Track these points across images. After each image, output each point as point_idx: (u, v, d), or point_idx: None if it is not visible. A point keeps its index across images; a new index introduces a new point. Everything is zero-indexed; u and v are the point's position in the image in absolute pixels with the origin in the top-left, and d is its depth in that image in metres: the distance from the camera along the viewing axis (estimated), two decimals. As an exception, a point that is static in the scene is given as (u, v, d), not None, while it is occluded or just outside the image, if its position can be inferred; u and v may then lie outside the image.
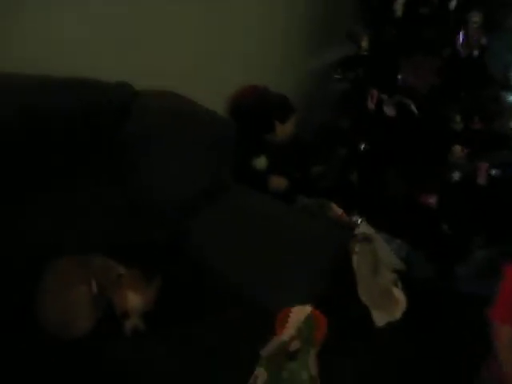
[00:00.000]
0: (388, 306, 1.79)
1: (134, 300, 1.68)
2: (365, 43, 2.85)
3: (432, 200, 2.82)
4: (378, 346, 1.71)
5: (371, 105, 2.86)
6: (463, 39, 2.65)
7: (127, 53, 2.32)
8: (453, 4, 2.65)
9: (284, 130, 2.80)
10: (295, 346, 1.37)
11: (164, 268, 1.80)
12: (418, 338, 1.89)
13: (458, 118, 2.75)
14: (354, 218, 2.37)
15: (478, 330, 1.70)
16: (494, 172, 2.87)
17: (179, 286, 1.81)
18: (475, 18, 2.62)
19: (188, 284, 1.85)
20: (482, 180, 2.83)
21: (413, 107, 2.75)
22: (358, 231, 1.99)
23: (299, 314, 1.47)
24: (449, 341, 2.02)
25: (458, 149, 2.78)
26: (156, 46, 2.43)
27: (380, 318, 1.75)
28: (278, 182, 2.77)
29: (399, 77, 2.76)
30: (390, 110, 2.80)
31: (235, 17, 2.76)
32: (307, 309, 1.48)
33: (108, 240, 1.94)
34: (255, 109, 2.74)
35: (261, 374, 1.27)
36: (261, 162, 2.75)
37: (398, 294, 1.85)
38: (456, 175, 2.83)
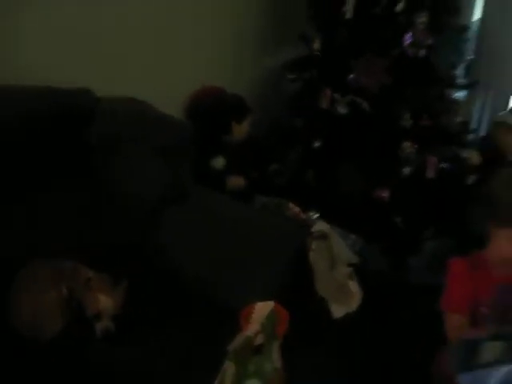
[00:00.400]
0: (344, 298, 1.93)
1: (105, 302, 1.78)
2: (317, 44, 2.96)
3: (385, 194, 2.96)
4: (336, 336, 1.85)
5: (324, 104, 2.98)
6: (411, 40, 2.80)
7: (87, 60, 2.39)
8: (400, 6, 2.79)
9: (241, 130, 2.91)
10: (260, 340, 1.49)
11: (131, 271, 1.90)
12: (374, 328, 2.03)
13: (407, 116, 2.89)
14: (311, 215, 2.49)
15: (429, 319, 1.83)
16: (442, 166, 3.05)
17: (146, 288, 1.92)
18: (422, 19, 2.77)
19: (154, 286, 1.95)
20: (431, 173, 2.99)
21: (364, 106, 2.88)
22: (314, 229, 2.11)
23: (262, 309, 1.58)
24: (402, 330, 2.17)
25: (407, 145, 2.94)
26: (114, 52, 2.50)
27: (338, 311, 1.88)
28: (236, 182, 2.88)
29: (351, 77, 2.88)
30: (342, 109, 2.93)
31: (189, 20, 2.85)
32: (270, 304, 1.59)
33: (74, 244, 2.02)
34: (212, 110, 2.84)
35: (229, 367, 1.39)
36: (219, 162, 2.84)
37: (354, 287, 1.99)
38: (407, 170, 2.98)
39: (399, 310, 2.25)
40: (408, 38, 2.78)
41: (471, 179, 3.13)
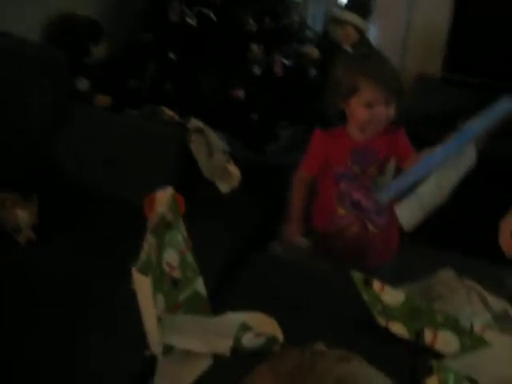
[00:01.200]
0: (227, 177, 2.39)
1: (23, 215, 2.08)
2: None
3: (240, 94, 3.43)
4: (227, 208, 2.31)
5: (174, 17, 3.36)
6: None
7: None
8: None
9: (98, 50, 3.17)
10: (169, 217, 1.90)
11: (36, 187, 2.21)
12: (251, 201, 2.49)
13: (251, 20, 3.36)
14: (182, 119, 2.87)
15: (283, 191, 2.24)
16: (287, 62, 3.56)
17: (54, 201, 2.21)
18: None
19: (61, 198, 2.25)
20: (278, 70, 3.50)
21: (212, 15, 3.30)
22: (190, 125, 2.52)
23: (164, 195, 1.96)
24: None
25: (254, 47, 3.41)
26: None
27: (224, 187, 2.34)
28: (103, 100, 3.14)
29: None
30: (192, 20, 3.32)
31: None
32: (169, 190, 1.98)
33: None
34: (69, 34, 3.09)
35: (150, 238, 1.80)
36: (83, 84, 3.09)
37: (232, 168, 2.44)
38: (257, 70, 3.46)
39: (270, 187, 2.69)
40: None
41: (313, 72, 3.67)
